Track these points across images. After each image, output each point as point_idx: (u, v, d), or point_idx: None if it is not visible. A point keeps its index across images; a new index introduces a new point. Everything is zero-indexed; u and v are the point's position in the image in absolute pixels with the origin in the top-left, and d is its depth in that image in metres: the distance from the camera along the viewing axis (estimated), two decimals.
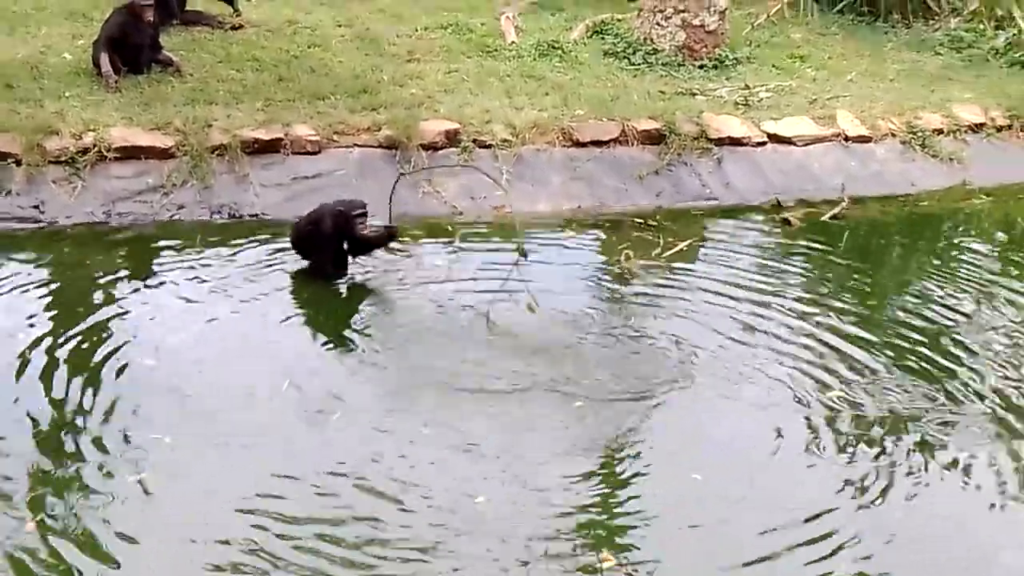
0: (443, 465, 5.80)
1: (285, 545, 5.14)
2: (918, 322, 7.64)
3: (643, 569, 5.11)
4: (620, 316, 7.55)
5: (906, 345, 7.30)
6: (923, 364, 7.07)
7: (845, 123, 10.47)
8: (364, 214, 7.72)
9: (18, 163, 8.55)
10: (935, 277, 8.47)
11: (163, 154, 8.85)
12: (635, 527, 5.44)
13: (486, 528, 5.32)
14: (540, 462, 5.84)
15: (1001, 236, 9.59)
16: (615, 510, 5.56)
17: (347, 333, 7.23)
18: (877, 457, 6.07)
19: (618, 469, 5.87)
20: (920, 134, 10.50)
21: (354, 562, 5.08)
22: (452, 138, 9.50)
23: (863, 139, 10.41)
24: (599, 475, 5.80)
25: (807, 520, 5.51)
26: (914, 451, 6.15)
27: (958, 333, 7.50)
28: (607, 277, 8.25)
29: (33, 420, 6.01)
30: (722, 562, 5.18)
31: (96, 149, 8.71)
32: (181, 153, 8.85)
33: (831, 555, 5.29)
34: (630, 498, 5.65)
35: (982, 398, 6.70)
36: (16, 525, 5.16)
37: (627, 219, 9.25)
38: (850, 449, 6.15)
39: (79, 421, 6.02)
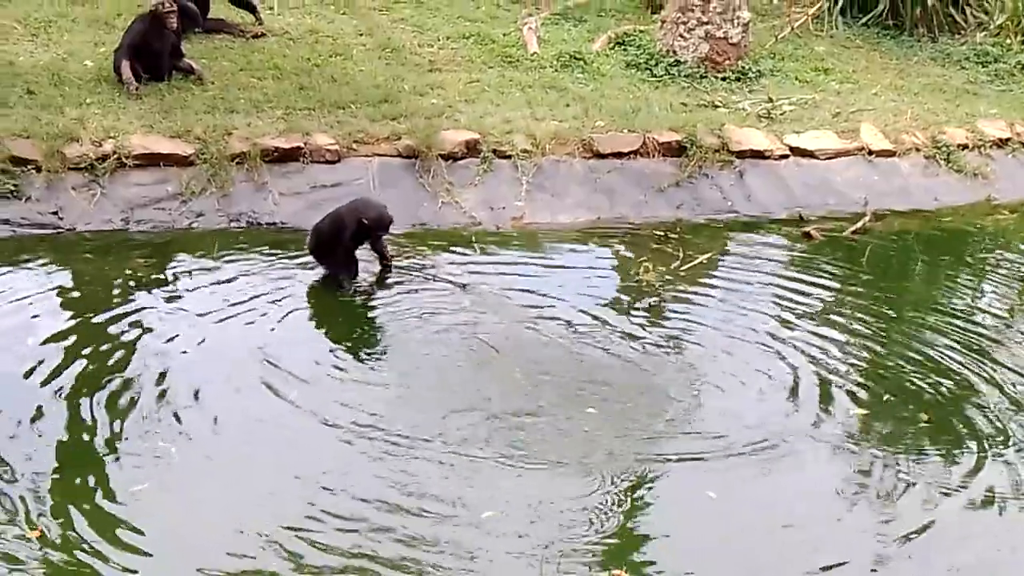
0: (453, 477, 5.78)
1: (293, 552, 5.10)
2: (939, 338, 7.54)
3: None
4: (638, 328, 7.48)
5: (928, 364, 7.21)
6: (943, 382, 6.98)
7: (869, 137, 10.38)
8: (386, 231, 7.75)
9: (38, 169, 8.55)
10: (958, 294, 8.38)
11: (183, 162, 8.84)
12: (648, 544, 5.38)
13: (493, 540, 5.27)
14: (552, 476, 5.78)
15: None
16: (628, 526, 5.49)
17: (362, 345, 7.20)
18: (891, 468, 6.05)
19: (633, 485, 5.79)
20: (944, 149, 10.40)
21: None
22: (472, 148, 9.46)
23: (887, 153, 10.31)
24: (613, 491, 5.72)
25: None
26: (921, 470, 6.10)
27: (981, 351, 7.40)
28: (626, 289, 8.17)
29: (45, 426, 5.99)
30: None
31: (116, 156, 8.71)
32: (200, 161, 8.84)
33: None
34: (644, 515, 5.58)
35: (1003, 417, 6.62)
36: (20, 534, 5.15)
37: (647, 231, 9.19)
38: (868, 462, 6.09)
39: (92, 429, 6.00)
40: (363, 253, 7.97)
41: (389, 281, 7.95)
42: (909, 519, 5.64)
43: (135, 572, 4.98)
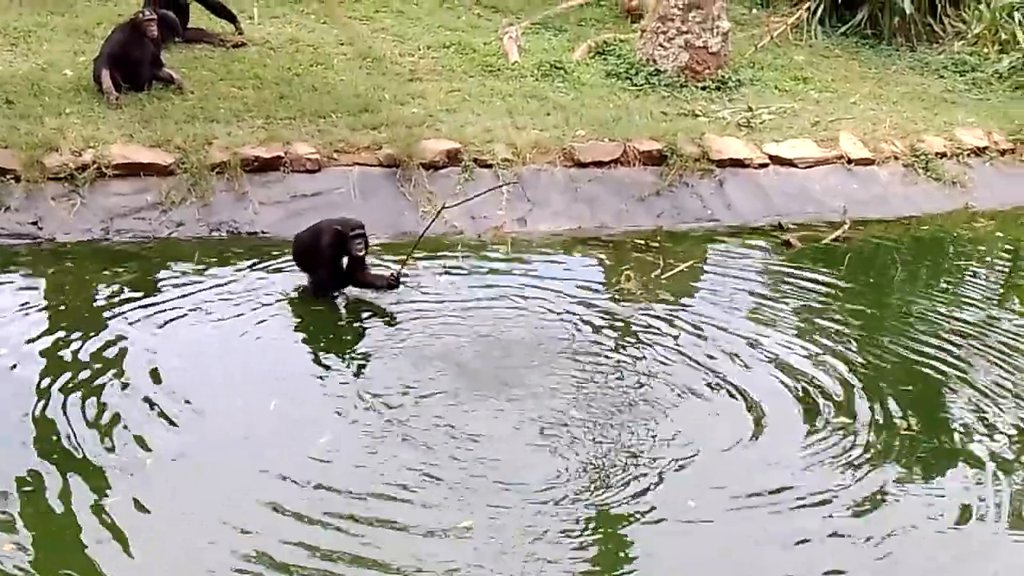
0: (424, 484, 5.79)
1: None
2: (919, 347, 7.58)
3: None
4: (617, 337, 7.49)
5: (907, 371, 7.25)
6: (924, 389, 7.02)
7: (848, 145, 10.44)
8: (362, 235, 7.68)
9: (17, 179, 8.53)
10: (937, 301, 8.42)
11: (163, 171, 8.83)
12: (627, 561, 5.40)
13: (470, 549, 5.28)
14: (532, 488, 5.79)
15: (1004, 260, 9.54)
16: (606, 541, 5.50)
17: (343, 352, 7.19)
18: (869, 474, 6.06)
19: (610, 493, 5.80)
20: (923, 157, 10.46)
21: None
22: (453, 157, 9.47)
23: (866, 162, 10.37)
24: (587, 499, 5.73)
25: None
26: (901, 471, 6.14)
27: (960, 358, 7.44)
28: (607, 298, 8.18)
29: (26, 435, 5.97)
30: None
31: (96, 166, 8.69)
32: (181, 170, 8.83)
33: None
34: (624, 527, 5.59)
35: (991, 426, 6.65)
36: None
37: (628, 240, 9.21)
38: (849, 467, 6.11)
39: (72, 438, 5.97)
40: None
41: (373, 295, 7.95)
42: (884, 524, 5.68)
43: None
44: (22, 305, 7.45)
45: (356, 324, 7.60)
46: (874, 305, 8.33)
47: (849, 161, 10.34)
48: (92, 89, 9.71)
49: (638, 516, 5.63)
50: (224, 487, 5.67)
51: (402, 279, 7.79)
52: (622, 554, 5.40)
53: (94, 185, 8.65)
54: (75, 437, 5.99)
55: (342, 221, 7.81)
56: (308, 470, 5.82)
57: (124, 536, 5.25)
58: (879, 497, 5.89)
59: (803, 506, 5.78)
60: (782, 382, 6.98)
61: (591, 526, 5.53)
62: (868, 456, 6.23)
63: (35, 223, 8.40)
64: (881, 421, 6.61)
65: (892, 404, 6.79)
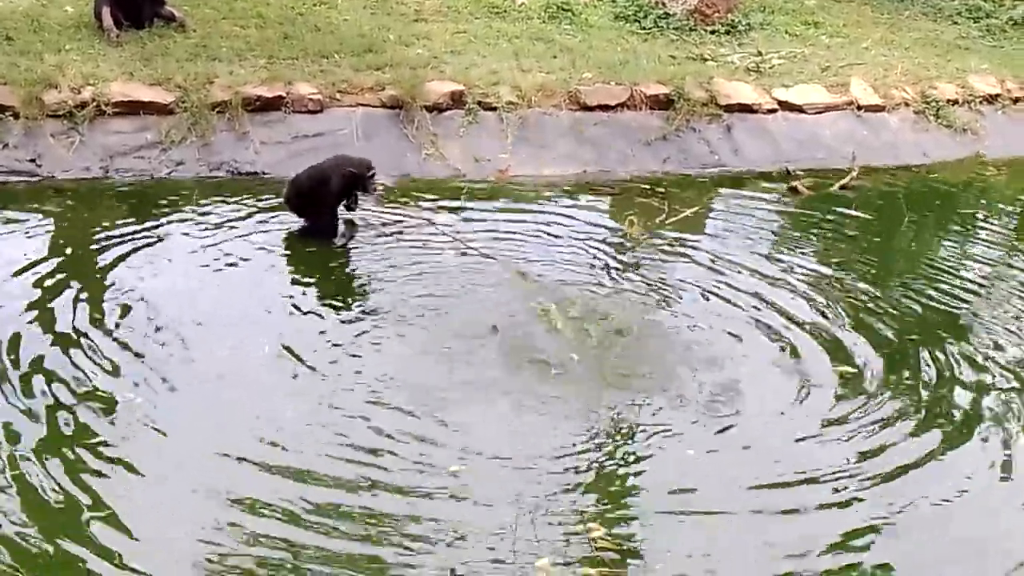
0: (439, 420, 5.73)
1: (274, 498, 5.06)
2: (924, 296, 7.49)
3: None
4: (621, 282, 7.41)
5: (912, 319, 7.16)
6: (929, 336, 6.94)
7: (858, 91, 10.29)
8: (374, 174, 7.63)
9: (16, 116, 8.42)
10: (945, 249, 8.33)
11: (163, 110, 8.72)
12: (624, 499, 5.34)
13: (473, 486, 5.23)
14: (539, 433, 5.71)
15: (1013, 209, 9.42)
16: (609, 485, 5.42)
17: (342, 293, 7.13)
18: (882, 428, 5.97)
19: (615, 444, 5.73)
20: (934, 104, 10.32)
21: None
22: (457, 99, 9.35)
23: (876, 108, 10.23)
24: (590, 442, 5.67)
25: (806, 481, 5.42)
26: (917, 422, 6.05)
27: (967, 306, 7.35)
28: (610, 242, 8.09)
29: (22, 373, 5.91)
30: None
31: (95, 103, 8.58)
32: (181, 109, 8.71)
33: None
34: (626, 473, 5.51)
35: (991, 373, 6.58)
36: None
37: (633, 185, 9.11)
38: (854, 418, 6.03)
39: (70, 374, 5.92)
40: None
41: (372, 234, 7.87)
42: (879, 464, 5.64)
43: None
44: (20, 241, 7.38)
45: (357, 264, 7.51)
46: (881, 252, 8.23)
47: (859, 107, 10.20)
48: (92, 26, 9.57)
49: (630, 456, 5.59)
50: (214, 422, 5.63)
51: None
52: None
53: (93, 123, 8.55)
54: (66, 373, 5.93)
55: (356, 162, 7.70)
56: (298, 414, 5.74)
57: (116, 472, 5.21)
58: (877, 439, 5.83)
59: (800, 447, 5.73)
60: (782, 327, 6.90)
61: (598, 459, 5.48)
62: (869, 401, 6.16)
63: (34, 160, 8.32)
64: (882, 368, 6.54)
65: (896, 350, 6.71)
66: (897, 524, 5.23)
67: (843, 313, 7.16)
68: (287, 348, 6.31)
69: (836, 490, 5.45)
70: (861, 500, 5.40)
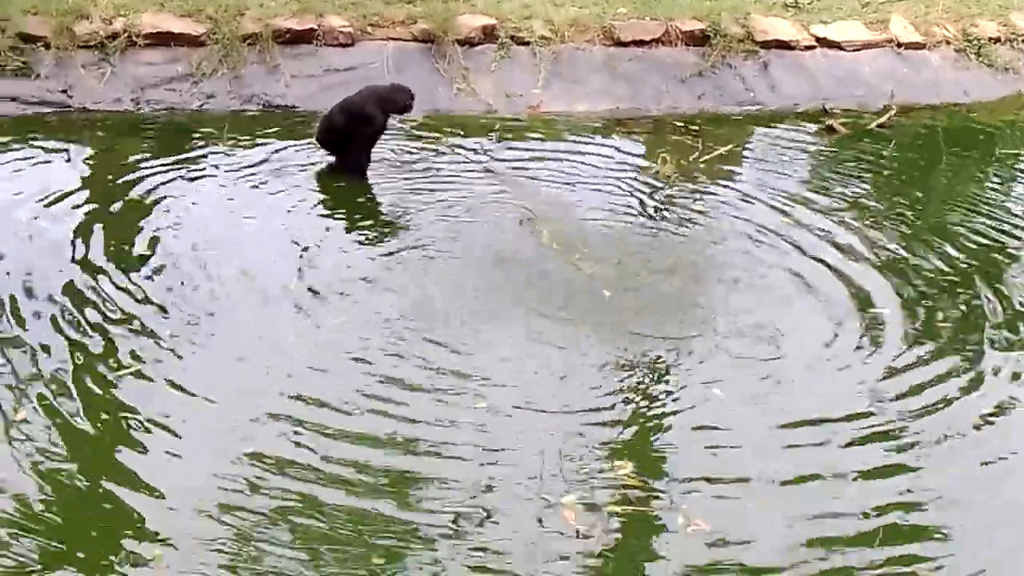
0: (475, 355, 5.69)
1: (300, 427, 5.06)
2: (964, 236, 7.38)
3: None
4: (653, 219, 7.34)
5: (948, 262, 7.06)
6: (967, 279, 6.84)
7: (898, 28, 10.10)
8: (413, 100, 7.60)
9: (47, 46, 8.42)
10: (985, 190, 8.20)
11: (194, 41, 8.67)
12: (655, 442, 5.30)
13: (504, 421, 5.21)
14: (569, 371, 5.67)
15: None
16: (638, 424, 5.38)
17: (370, 230, 7.07)
18: (911, 368, 5.88)
19: (646, 382, 5.67)
20: (975, 42, 10.12)
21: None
22: (489, 33, 9.25)
23: (916, 46, 10.05)
24: (624, 387, 5.62)
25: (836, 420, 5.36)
26: (949, 363, 5.95)
27: (1008, 248, 7.25)
28: (643, 180, 8.00)
29: (50, 305, 5.90)
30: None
31: (126, 35, 8.55)
32: (212, 41, 8.68)
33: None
34: (656, 412, 5.46)
35: None
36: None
37: (667, 122, 9.00)
38: (891, 360, 5.92)
39: (100, 308, 5.92)
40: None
41: (402, 164, 7.83)
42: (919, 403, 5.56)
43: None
44: (51, 172, 7.38)
45: (387, 201, 7.46)
46: (919, 192, 8.11)
47: (899, 45, 10.02)
48: None
49: (660, 397, 5.56)
50: (235, 358, 5.62)
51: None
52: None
53: (124, 54, 8.53)
54: (96, 307, 5.93)
55: (392, 90, 7.62)
56: (318, 355, 5.67)
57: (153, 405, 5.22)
58: (911, 382, 5.77)
59: (833, 395, 5.68)
60: (815, 268, 6.80)
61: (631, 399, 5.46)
62: (905, 344, 6.09)
63: (65, 91, 8.31)
64: (920, 310, 6.46)
65: (932, 293, 6.64)
66: (947, 486, 5.04)
67: (882, 253, 7.04)
68: (311, 287, 6.26)
69: (880, 447, 5.29)
70: (902, 451, 5.28)
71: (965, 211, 7.81)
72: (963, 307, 6.51)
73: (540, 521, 4.63)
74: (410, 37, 9.14)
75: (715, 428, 5.30)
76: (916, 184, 8.27)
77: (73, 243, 6.53)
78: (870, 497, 4.92)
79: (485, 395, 5.39)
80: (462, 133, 8.43)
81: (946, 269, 6.95)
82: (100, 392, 5.27)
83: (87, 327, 5.72)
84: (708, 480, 4.94)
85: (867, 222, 7.50)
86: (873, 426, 5.39)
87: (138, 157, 7.67)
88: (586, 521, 4.62)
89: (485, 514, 4.65)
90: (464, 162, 7.97)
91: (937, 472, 5.12)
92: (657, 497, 4.81)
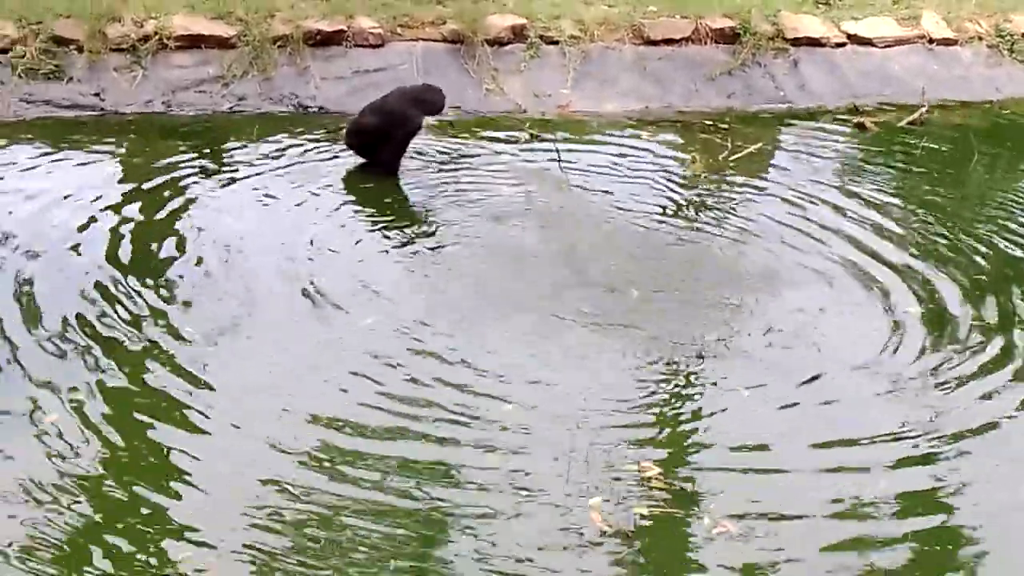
0: (504, 349, 5.71)
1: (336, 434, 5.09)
2: (996, 238, 7.31)
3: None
4: (682, 219, 7.33)
5: (981, 260, 7.01)
6: (996, 280, 6.79)
7: (930, 24, 10.04)
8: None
9: (80, 50, 8.50)
10: (1017, 188, 8.13)
11: (224, 44, 8.74)
12: (683, 443, 5.30)
13: (529, 415, 5.21)
14: (597, 372, 5.66)
15: None
16: (667, 426, 5.38)
17: (398, 229, 7.07)
18: (942, 365, 5.82)
19: (675, 383, 5.66)
20: (1009, 38, 10.06)
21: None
22: (519, 33, 9.27)
23: (948, 42, 9.99)
24: (653, 389, 5.61)
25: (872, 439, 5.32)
26: (978, 362, 5.89)
27: None
28: (672, 179, 7.99)
29: (86, 305, 5.96)
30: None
31: (157, 37, 8.62)
32: (243, 43, 8.74)
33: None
34: (684, 414, 5.45)
35: None
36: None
37: (696, 120, 8.99)
38: (922, 361, 5.87)
39: (129, 310, 5.96)
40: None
41: (431, 164, 7.86)
42: (956, 415, 5.49)
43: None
44: (83, 174, 7.45)
45: (416, 201, 7.48)
46: (950, 191, 8.05)
47: (931, 41, 9.96)
48: None
49: (688, 394, 5.55)
50: (264, 360, 5.65)
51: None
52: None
53: (156, 57, 8.60)
54: (133, 305, 5.98)
55: (425, 89, 7.69)
56: (344, 355, 5.68)
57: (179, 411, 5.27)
58: (946, 383, 5.73)
59: (865, 393, 5.65)
60: (845, 269, 6.76)
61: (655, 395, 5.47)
62: (937, 344, 6.04)
63: (97, 94, 8.39)
64: (952, 310, 6.40)
65: (965, 292, 6.58)
66: (994, 511, 4.89)
67: (915, 254, 6.98)
68: (341, 288, 6.26)
69: (917, 451, 5.20)
70: (939, 460, 5.18)
71: (999, 209, 7.75)
72: (1007, 310, 6.42)
73: (566, 522, 4.63)
74: (439, 38, 9.17)
75: (745, 431, 5.26)
76: (949, 182, 8.22)
77: (105, 244, 6.57)
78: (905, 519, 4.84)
79: (510, 395, 5.39)
80: (492, 134, 8.45)
81: (986, 268, 6.87)
82: (129, 396, 5.30)
83: (117, 328, 5.75)
84: (735, 482, 4.93)
85: (899, 221, 7.45)
86: (913, 437, 5.30)
87: (170, 159, 7.73)
88: (612, 522, 4.62)
89: (511, 515, 4.67)
90: (494, 161, 7.98)
91: (981, 497, 4.97)
92: (683, 499, 4.81)
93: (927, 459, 5.14)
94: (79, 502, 4.59)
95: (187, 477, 4.78)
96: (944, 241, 7.21)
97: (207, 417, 5.15)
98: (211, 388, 5.36)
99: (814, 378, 5.65)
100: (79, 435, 4.97)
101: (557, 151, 7.74)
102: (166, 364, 5.50)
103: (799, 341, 5.99)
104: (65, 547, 4.35)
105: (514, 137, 8.40)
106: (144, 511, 4.58)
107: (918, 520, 4.78)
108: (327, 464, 4.89)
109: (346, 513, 4.61)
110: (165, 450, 4.95)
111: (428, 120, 7.81)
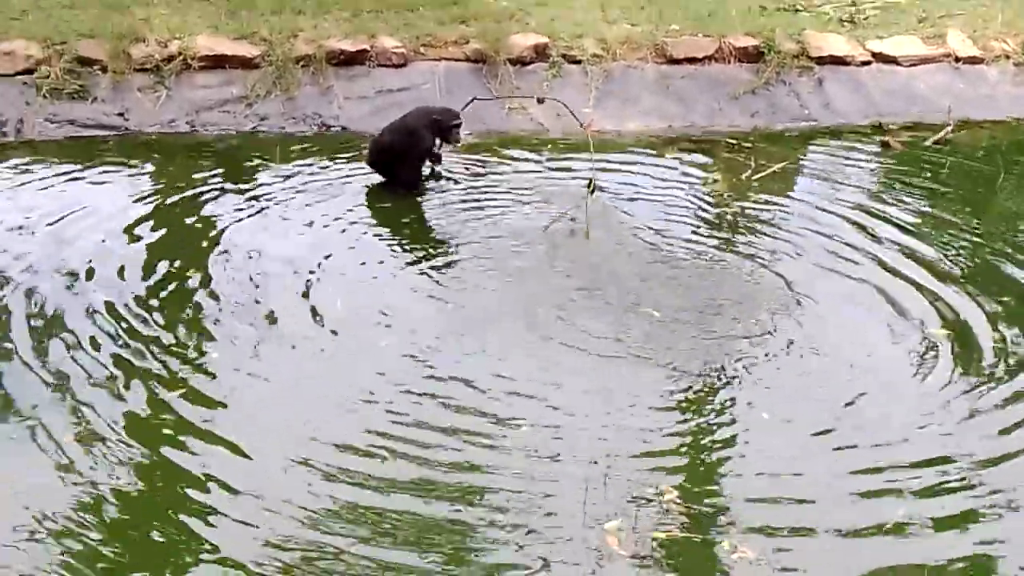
0: (517, 384, 5.65)
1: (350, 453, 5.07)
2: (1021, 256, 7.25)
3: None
4: (705, 238, 7.28)
5: (1010, 281, 6.93)
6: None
7: (956, 43, 9.97)
8: (460, 124, 7.62)
9: (104, 70, 8.57)
10: None
11: (248, 64, 8.78)
12: (702, 467, 5.24)
13: (546, 440, 5.18)
14: (624, 388, 5.63)
15: None
16: (688, 449, 5.33)
17: (418, 249, 7.07)
18: (974, 390, 5.74)
19: (701, 402, 5.61)
20: None
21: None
22: (541, 52, 9.27)
23: (974, 60, 9.92)
24: (674, 412, 5.56)
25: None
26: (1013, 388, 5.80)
27: None
28: (696, 198, 7.95)
29: (109, 322, 5.98)
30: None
31: (181, 57, 8.68)
32: (266, 63, 8.78)
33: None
34: (705, 438, 5.38)
35: None
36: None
37: (720, 139, 8.95)
38: (945, 380, 5.80)
39: (151, 328, 5.97)
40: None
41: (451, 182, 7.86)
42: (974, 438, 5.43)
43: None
44: (107, 193, 7.49)
45: (441, 219, 7.46)
46: (977, 211, 7.96)
47: (956, 59, 9.89)
48: None
49: (708, 417, 5.50)
50: (290, 382, 5.65)
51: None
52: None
53: (179, 77, 8.65)
54: (151, 327, 5.99)
55: (440, 110, 7.71)
56: (365, 373, 5.69)
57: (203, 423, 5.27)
58: (968, 407, 5.65)
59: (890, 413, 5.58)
60: (871, 287, 6.70)
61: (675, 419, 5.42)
62: (962, 362, 5.96)
63: (121, 114, 8.44)
64: (982, 333, 6.29)
65: (993, 312, 6.50)
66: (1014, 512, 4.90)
67: (942, 274, 6.90)
68: (362, 306, 6.28)
69: (947, 477, 5.12)
70: (972, 487, 5.09)
71: (1020, 234, 7.65)
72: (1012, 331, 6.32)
73: (585, 545, 4.59)
74: (462, 57, 9.18)
75: (766, 454, 5.22)
76: (975, 201, 8.14)
77: (128, 263, 6.60)
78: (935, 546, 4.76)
79: (527, 416, 5.37)
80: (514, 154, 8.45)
81: (1016, 289, 6.78)
82: (150, 411, 5.32)
83: (138, 346, 5.77)
84: (756, 506, 4.88)
85: (926, 241, 7.37)
86: (943, 463, 5.21)
87: (193, 179, 7.77)
88: (629, 546, 4.57)
89: (528, 531, 4.64)
90: (515, 180, 7.97)
91: (1016, 525, 4.88)
92: (702, 522, 4.76)
93: (959, 487, 5.07)
94: (90, 525, 4.60)
95: (202, 498, 4.78)
96: (972, 262, 7.12)
97: (222, 437, 5.14)
98: (225, 406, 5.36)
99: (841, 403, 5.59)
100: (93, 455, 4.97)
101: (591, 181, 7.70)
102: (180, 384, 5.51)
103: (823, 364, 5.92)
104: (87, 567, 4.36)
105: (535, 158, 8.38)
106: (157, 536, 4.58)
107: (946, 547, 4.71)
108: (344, 483, 4.88)
109: (358, 535, 4.59)
110: (178, 470, 4.95)
111: (466, 138, 7.79)
